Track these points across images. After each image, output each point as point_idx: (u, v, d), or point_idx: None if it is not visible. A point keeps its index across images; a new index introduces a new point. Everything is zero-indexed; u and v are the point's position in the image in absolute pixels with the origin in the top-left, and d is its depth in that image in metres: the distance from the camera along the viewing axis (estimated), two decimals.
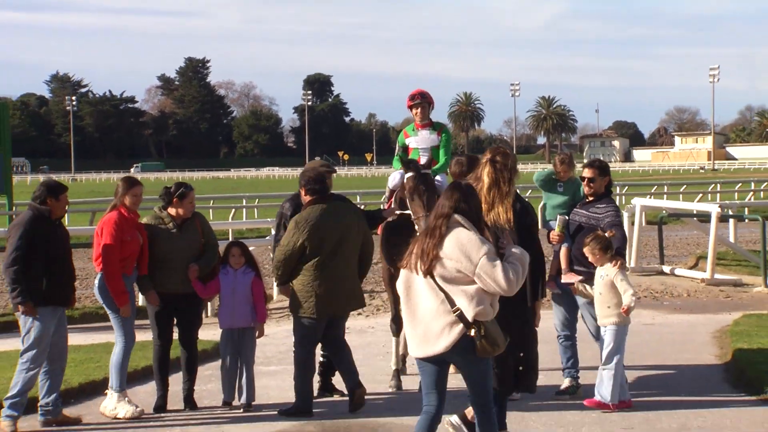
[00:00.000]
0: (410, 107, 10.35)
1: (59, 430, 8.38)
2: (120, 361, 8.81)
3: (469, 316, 6.16)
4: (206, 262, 9.04)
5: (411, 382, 9.69)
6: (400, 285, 6.44)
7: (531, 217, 7.80)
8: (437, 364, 6.35)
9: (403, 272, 6.43)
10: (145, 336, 9.83)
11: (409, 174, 9.23)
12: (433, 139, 10.24)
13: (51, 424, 8.43)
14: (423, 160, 9.83)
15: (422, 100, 10.29)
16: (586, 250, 8.62)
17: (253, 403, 8.95)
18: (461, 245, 6.22)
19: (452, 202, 6.35)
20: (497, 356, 6.48)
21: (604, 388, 8.44)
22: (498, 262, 6.22)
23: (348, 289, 8.81)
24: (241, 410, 8.88)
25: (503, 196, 7.36)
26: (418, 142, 10.28)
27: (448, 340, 6.18)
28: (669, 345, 11.09)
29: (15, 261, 8.23)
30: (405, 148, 10.36)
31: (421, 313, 6.30)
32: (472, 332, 6.15)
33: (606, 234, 8.59)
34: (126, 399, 8.81)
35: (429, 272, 6.23)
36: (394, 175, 10.00)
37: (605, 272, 8.50)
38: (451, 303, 6.19)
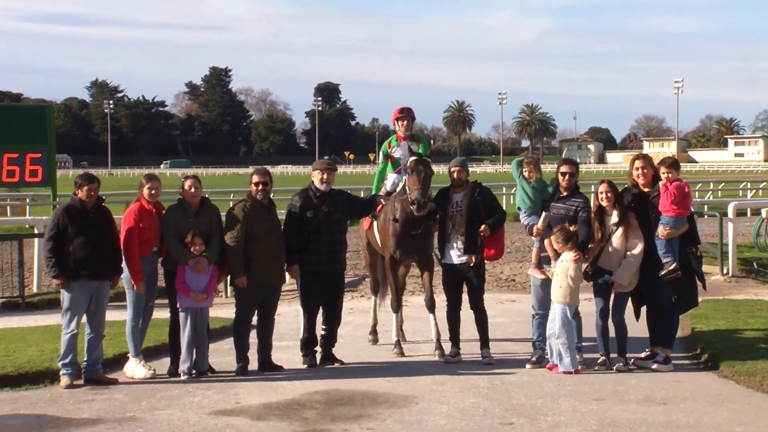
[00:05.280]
0: (397, 119, 10.57)
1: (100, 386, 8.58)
2: (132, 331, 8.99)
3: None
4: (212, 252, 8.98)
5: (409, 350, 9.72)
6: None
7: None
8: None
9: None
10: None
11: (413, 158, 9.63)
12: (413, 149, 10.40)
13: (91, 381, 8.67)
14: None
15: (408, 114, 10.54)
16: (552, 239, 8.94)
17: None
18: None
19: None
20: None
21: (563, 360, 8.81)
22: None
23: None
24: (193, 376, 8.87)
25: None
26: (400, 152, 10.45)
27: None
28: (634, 325, 11.08)
29: (48, 241, 8.61)
30: (387, 157, 10.61)
31: None
32: None
33: (571, 228, 8.96)
34: (141, 363, 8.97)
35: None
36: (393, 179, 10.26)
37: (565, 257, 8.93)
38: None
